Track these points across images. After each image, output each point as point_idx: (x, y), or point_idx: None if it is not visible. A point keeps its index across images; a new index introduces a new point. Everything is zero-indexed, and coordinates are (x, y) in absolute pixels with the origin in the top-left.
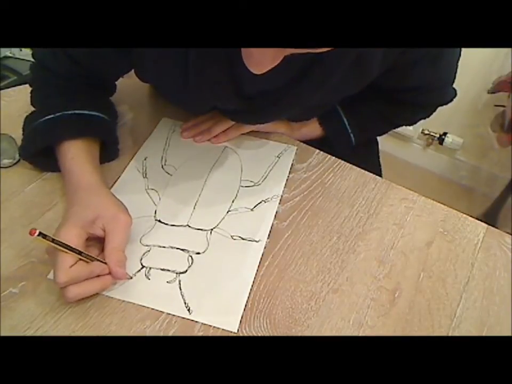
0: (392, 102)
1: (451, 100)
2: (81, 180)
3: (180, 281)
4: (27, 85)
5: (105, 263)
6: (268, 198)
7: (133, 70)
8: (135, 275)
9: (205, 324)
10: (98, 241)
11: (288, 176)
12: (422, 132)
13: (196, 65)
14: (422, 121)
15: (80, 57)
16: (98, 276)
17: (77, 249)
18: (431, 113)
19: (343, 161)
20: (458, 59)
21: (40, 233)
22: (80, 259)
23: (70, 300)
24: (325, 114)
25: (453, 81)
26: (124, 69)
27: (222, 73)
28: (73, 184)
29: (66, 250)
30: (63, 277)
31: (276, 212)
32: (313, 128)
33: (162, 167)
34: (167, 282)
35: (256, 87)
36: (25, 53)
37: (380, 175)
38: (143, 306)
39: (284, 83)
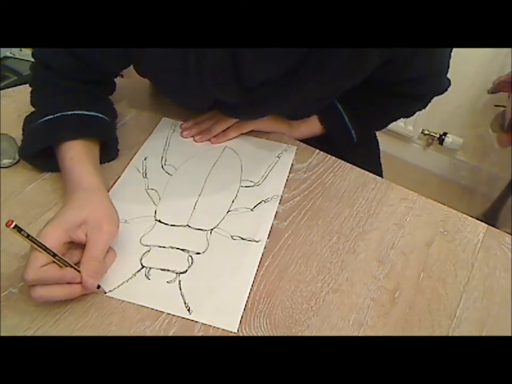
0: (390, 95)
1: (446, 90)
2: (80, 180)
3: (180, 281)
4: (27, 85)
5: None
6: (268, 198)
7: (132, 68)
8: (134, 275)
9: (205, 324)
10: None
11: (288, 176)
12: (422, 132)
13: (195, 53)
14: (422, 121)
15: (80, 52)
16: (70, 282)
17: (52, 251)
18: (427, 104)
19: (343, 161)
20: (452, 49)
21: (15, 226)
22: (54, 262)
23: (34, 301)
24: (325, 111)
25: (447, 71)
26: (124, 63)
27: (222, 61)
28: (72, 184)
29: (40, 250)
30: (30, 275)
31: (276, 212)
32: (313, 126)
33: (162, 167)
34: (167, 282)
35: (256, 76)
36: (25, 53)
37: (381, 175)
38: (143, 306)
39: (284, 71)
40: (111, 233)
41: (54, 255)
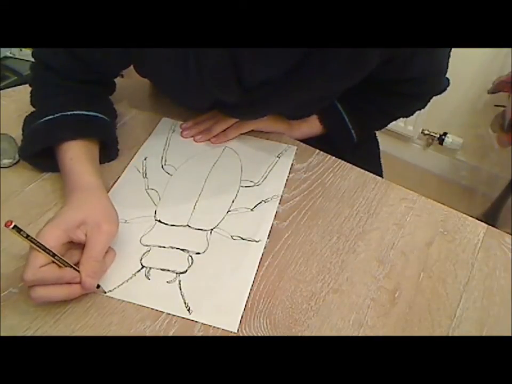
0: (390, 95)
1: (445, 89)
2: (80, 180)
3: (180, 281)
4: (27, 85)
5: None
6: (268, 198)
7: (132, 68)
8: (134, 275)
9: (205, 324)
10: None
11: (288, 176)
12: (422, 132)
13: (195, 53)
14: (422, 121)
15: (80, 52)
16: (69, 283)
17: (51, 251)
18: (427, 104)
19: (343, 161)
20: (451, 48)
21: (15, 226)
22: (53, 262)
23: (34, 301)
24: (324, 111)
25: (447, 71)
26: (124, 63)
27: (222, 61)
28: (72, 184)
29: (40, 250)
30: (30, 276)
31: (276, 212)
32: (313, 126)
33: (162, 167)
34: (167, 282)
35: (256, 76)
36: (25, 53)
37: (381, 175)
38: (143, 306)
39: (284, 71)
40: (110, 233)
41: (54, 255)
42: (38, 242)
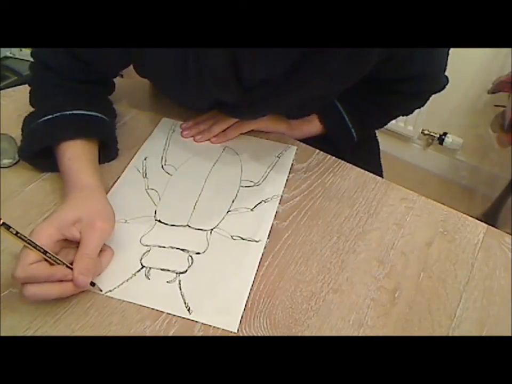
0: (390, 94)
1: (444, 87)
2: (79, 180)
3: (179, 281)
4: (27, 85)
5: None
6: (268, 198)
7: (132, 68)
8: (134, 275)
9: (205, 324)
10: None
11: (288, 176)
12: (422, 132)
13: (195, 53)
14: (422, 121)
15: (80, 52)
16: (61, 280)
17: (42, 248)
18: (426, 102)
19: (343, 161)
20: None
21: (4, 224)
22: (45, 259)
23: (28, 299)
24: (324, 110)
25: (445, 68)
26: (124, 63)
27: (222, 61)
28: (70, 184)
29: (30, 247)
30: (20, 273)
31: (276, 212)
32: (313, 125)
33: (162, 167)
34: (167, 282)
35: (256, 76)
36: (25, 53)
37: (381, 175)
38: (143, 306)
39: (283, 71)
40: (104, 230)
41: (45, 252)
42: (29, 239)
